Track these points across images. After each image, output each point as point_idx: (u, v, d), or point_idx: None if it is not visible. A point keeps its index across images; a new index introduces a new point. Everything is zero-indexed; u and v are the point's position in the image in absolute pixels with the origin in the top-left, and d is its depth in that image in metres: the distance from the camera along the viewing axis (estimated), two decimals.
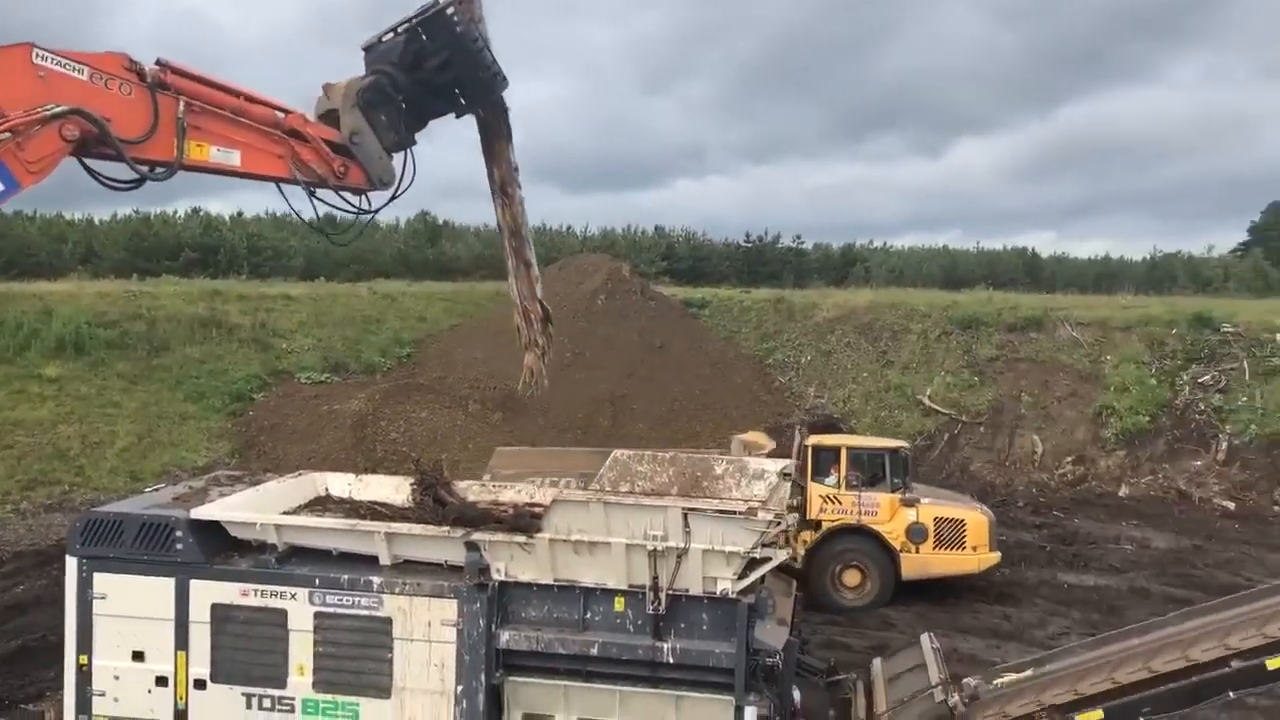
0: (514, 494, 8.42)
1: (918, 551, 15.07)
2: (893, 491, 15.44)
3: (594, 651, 7.51)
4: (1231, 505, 21.37)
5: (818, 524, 15.46)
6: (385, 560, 7.71)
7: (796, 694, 8.29)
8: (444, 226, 54.46)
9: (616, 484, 8.73)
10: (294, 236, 46.26)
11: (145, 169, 6.62)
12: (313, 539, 7.86)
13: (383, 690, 7.62)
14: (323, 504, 8.92)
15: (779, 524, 7.46)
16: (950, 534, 15.11)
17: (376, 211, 7.77)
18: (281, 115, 7.11)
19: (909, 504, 15.35)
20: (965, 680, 8.46)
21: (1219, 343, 25.45)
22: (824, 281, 45.46)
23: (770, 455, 15.19)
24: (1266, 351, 24.76)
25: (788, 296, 33.81)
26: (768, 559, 7.45)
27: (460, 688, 7.50)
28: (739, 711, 7.40)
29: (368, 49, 7.51)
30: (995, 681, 8.78)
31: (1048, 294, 36.31)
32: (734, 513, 7.42)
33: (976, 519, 15.32)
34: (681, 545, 7.31)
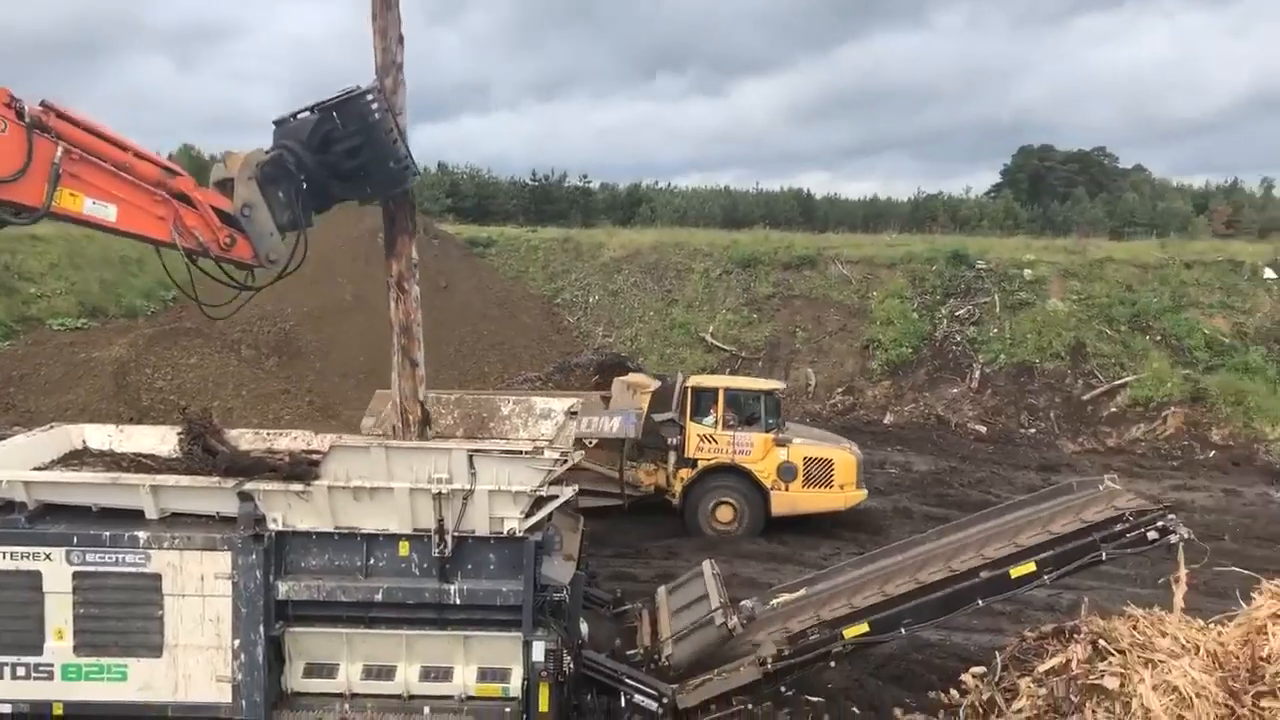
0: (290, 441, 8.12)
1: (788, 489, 15.55)
2: (766, 431, 15.84)
3: (378, 598, 7.42)
4: (983, 429, 23.13)
5: (694, 462, 15.85)
6: (152, 514, 7.33)
7: (584, 626, 8.46)
8: (211, 162, 51.44)
9: (386, 420, 8.59)
10: None
11: (8, 211, 6.14)
12: (68, 495, 7.38)
13: (153, 649, 7.28)
14: (79, 458, 8.37)
15: (565, 462, 7.53)
16: (819, 473, 15.59)
17: (258, 290, 7.43)
18: (171, 176, 6.73)
19: (781, 444, 15.76)
20: (743, 603, 8.85)
21: (974, 278, 27.32)
22: (610, 221, 45.75)
23: (654, 394, 15.91)
24: (1015, 286, 26.76)
25: (575, 236, 33.89)
26: (555, 497, 7.52)
27: (238, 642, 7.26)
28: (527, 647, 7.51)
29: (279, 123, 7.19)
30: (771, 602, 9.25)
31: (820, 233, 37.80)
32: (520, 452, 7.44)
33: (845, 458, 15.81)
34: (467, 487, 7.29)
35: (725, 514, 15.71)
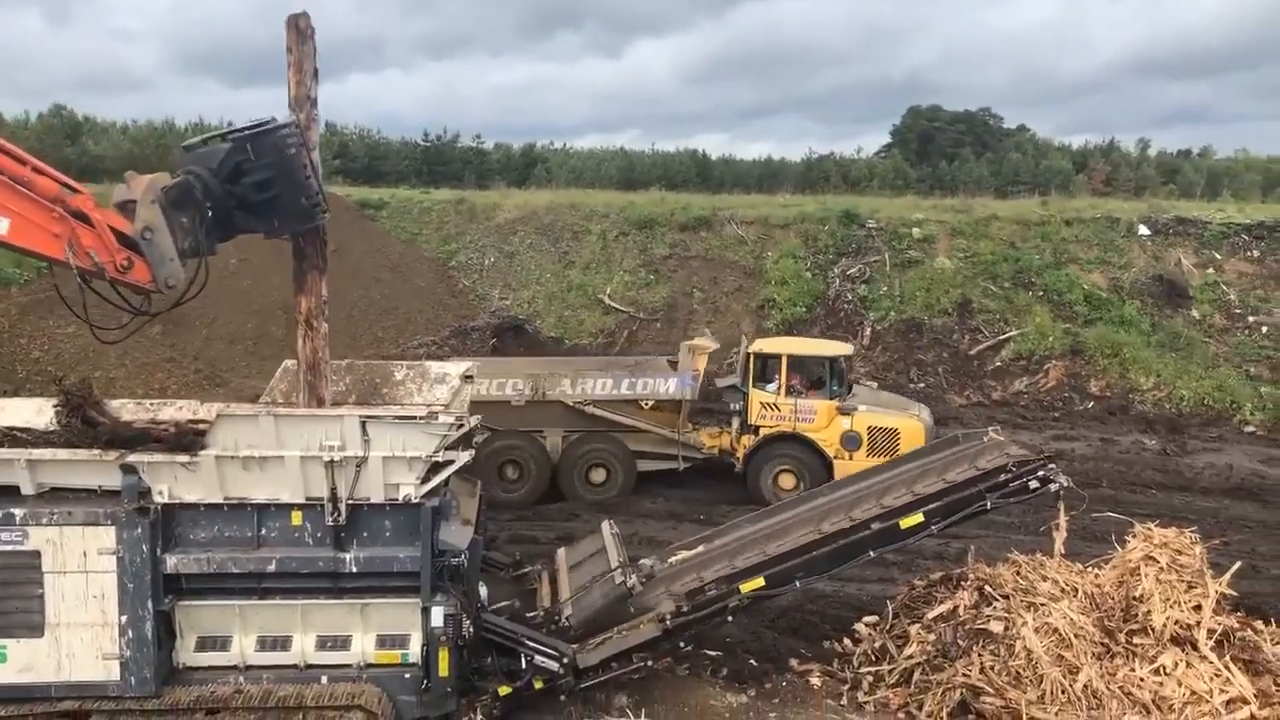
0: (175, 411, 7.89)
1: (851, 459, 14.99)
2: (831, 398, 15.42)
3: (271, 568, 7.32)
4: (875, 384, 23.62)
5: (757, 429, 15.56)
6: (28, 490, 7.09)
7: (484, 590, 8.47)
8: (84, 123, 49.14)
9: (289, 395, 8.42)
10: None
11: None
12: None
13: (34, 629, 7.06)
14: None
15: (461, 426, 7.48)
16: (884, 442, 15.04)
17: (153, 316, 7.13)
18: (70, 194, 6.44)
19: (845, 412, 15.30)
20: (642, 561, 8.94)
21: (864, 237, 27.80)
22: (505, 182, 45.21)
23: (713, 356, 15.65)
24: (904, 245, 27.33)
25: (469, 197, 33.40)
26: (451, 462, 7.48)
27: (125, 618, 7.09)
28: (426, 613, 7.49)
29: (188, 148, 6.99)
30: (670, 560, 9.36)
31: (716, 194, 37.98)
32: (414, 418, 7.36)
33: (912, 427, 15.16)
34: (360, 454, 7.20)
35: (788, 481, 15.32)
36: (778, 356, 15.78)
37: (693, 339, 17.02)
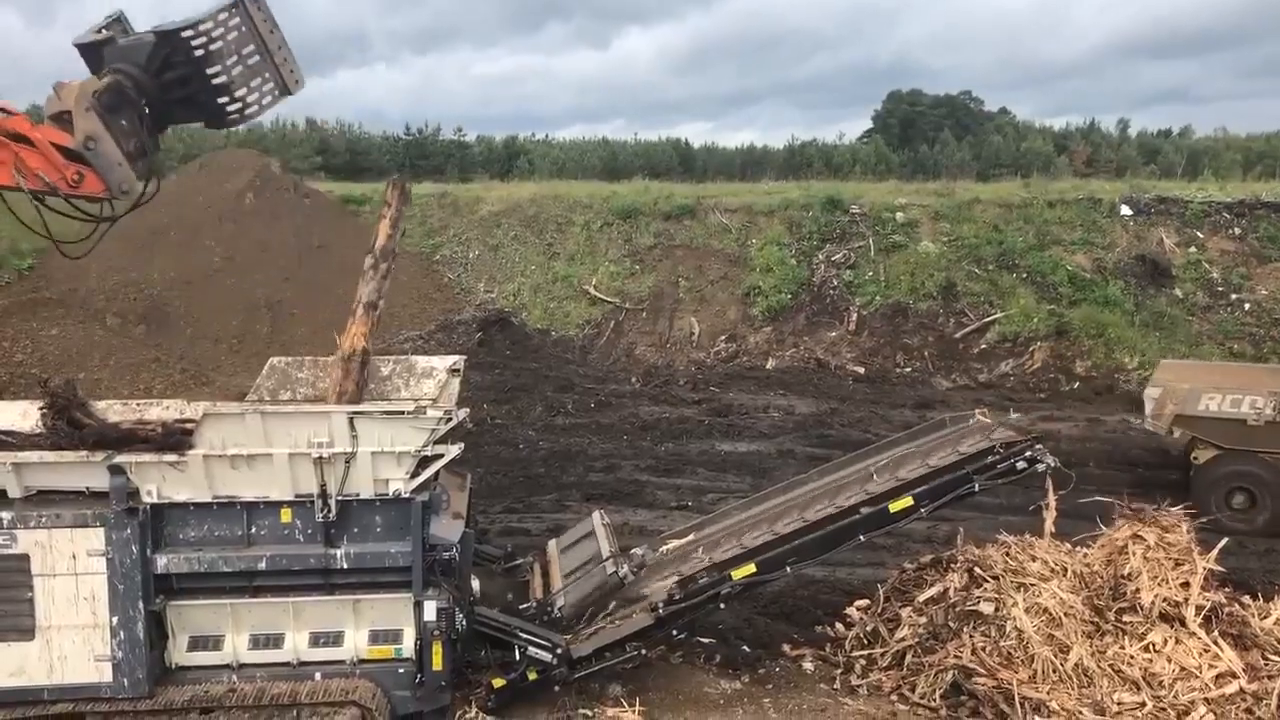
0: (161, 411, 7.86)
1: None
2: None
3: (262, 566, 7.30)
4: (861, 370, 23.69)
5: None
6: (15, 492, 7.04)
7: (475, 583, 8.46)
8: None
9: (276, 393, 8.41)
10: None
11: None
12: None
13: (24, 632, 7.02)
14: None
15: (449, 420, 7.47)
16: None
17: (117, 219, 6.96)
18: (5, 117, 6.28)
19: None
20: (633, 550, 8.95)
21: (848, 223, 27.80)
22: (488, 175, 45.09)
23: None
24: (888, 229, 27.35)
25: (452, 191, 33.27)
26: (440, 456, 7.47)
27: (116, 619, 7.06)
28: (418, 607, 7.50)
29: (104, 44, 6.72)
30: (661, 549, 9.37)
31: (699, 183, 37.93)
32: (402, 413, 7.35)
33: None
34: (349, 450, 7.19)
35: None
36: None
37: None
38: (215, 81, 6.74)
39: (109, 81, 6.58)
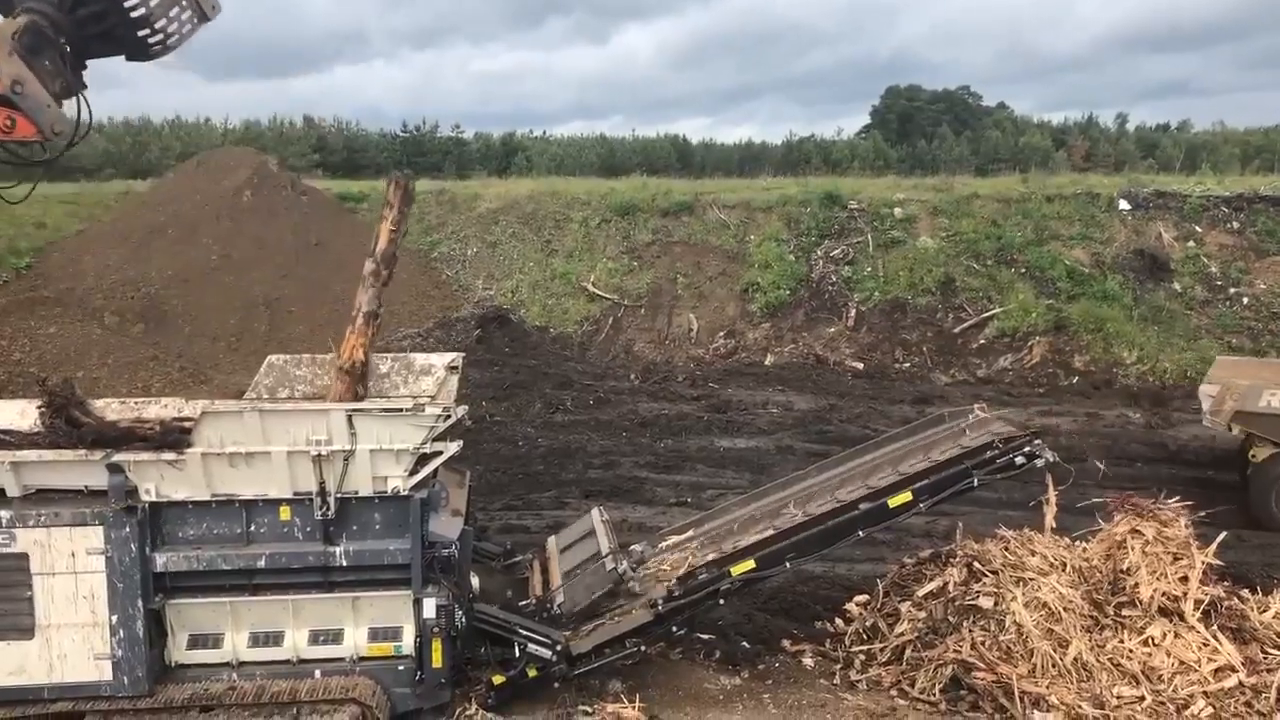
0: (160, 409, 7.85)
1: None
2: None
3: (261, 564, 7.30)
4: (860, 365, 23.69)
5: None
6: (14, 491, 7.05)
7: (475, 580, 8.47)
8: None
9: (274, 390, 8.40)
10: None
11: None
12: None
13: (24, 631, 7.03)
14: None
15: (448, 417, 7.47)
16: None
17: (53, 160, 6.99)
18: None
19: None
20: (632, 547, 8.95)
21: (846, 219, 27.79)
22: (486, 172, 45.03)
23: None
24: (886, 225, 27.35)
25: (450, 188, 33.23)
26: (439, 453, 7.47)
27: (115, 617, 7.06)
28: (418, 604, 7.50)
29: None
30: (660, 545, 9.38)
31: (698, 179, 37.89)
32: (400, 410, 7.35)
33: None
34: (348, 448, 7.19)
35: None
36: None
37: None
38: (134, 14, 6.70)
39: (25, 22, 6.52)
